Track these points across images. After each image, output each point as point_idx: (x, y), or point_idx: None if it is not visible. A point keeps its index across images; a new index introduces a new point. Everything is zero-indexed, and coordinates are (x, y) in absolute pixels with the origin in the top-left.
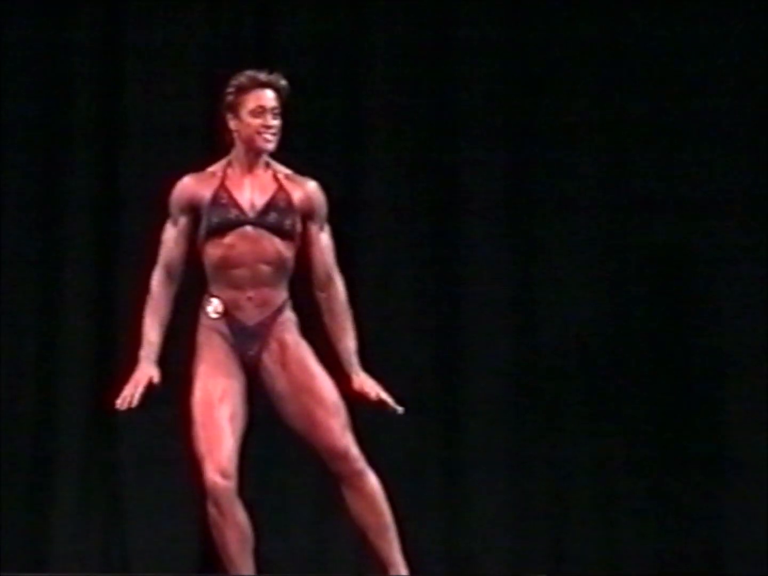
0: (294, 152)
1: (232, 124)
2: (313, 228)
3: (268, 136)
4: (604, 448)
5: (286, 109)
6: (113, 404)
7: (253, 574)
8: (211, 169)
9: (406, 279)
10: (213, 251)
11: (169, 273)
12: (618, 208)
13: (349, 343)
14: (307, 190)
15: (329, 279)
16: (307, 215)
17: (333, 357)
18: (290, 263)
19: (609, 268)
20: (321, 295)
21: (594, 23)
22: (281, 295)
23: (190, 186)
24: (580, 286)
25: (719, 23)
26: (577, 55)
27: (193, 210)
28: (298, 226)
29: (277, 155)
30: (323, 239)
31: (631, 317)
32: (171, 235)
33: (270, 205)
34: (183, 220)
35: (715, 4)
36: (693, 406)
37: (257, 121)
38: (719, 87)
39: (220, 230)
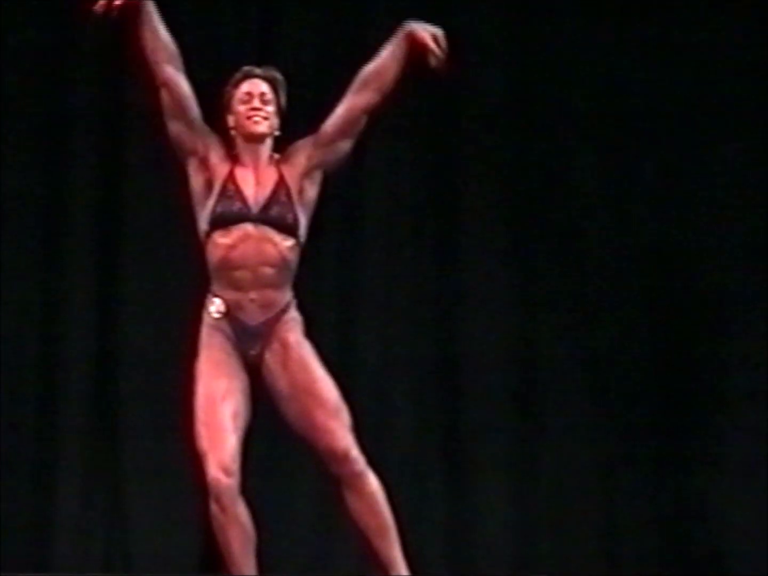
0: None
1: (230, 120)
2: (322, 134)
3: (257, 119)
4: (606, 449)
5: (280, 101)
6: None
7: (254, 573)
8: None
9: (407, 282)
10: (215, 252)
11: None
12: (621, 210)
13: None
14: (288, 154)
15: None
16: (313, 149)
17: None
18: (293, 264)
19: (610, 270)
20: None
21: (599, 27)
22: (285, 296)
23: (221, 154)
24: (581, 286)
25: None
26: (579, 61)
27: (202, 153)
28: (302, 220)
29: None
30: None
31: (634, 318)
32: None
33: (272, 199)
34: (193, 112)
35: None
36: (696, 406)
37: (245, 107)
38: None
39: (222, 223)
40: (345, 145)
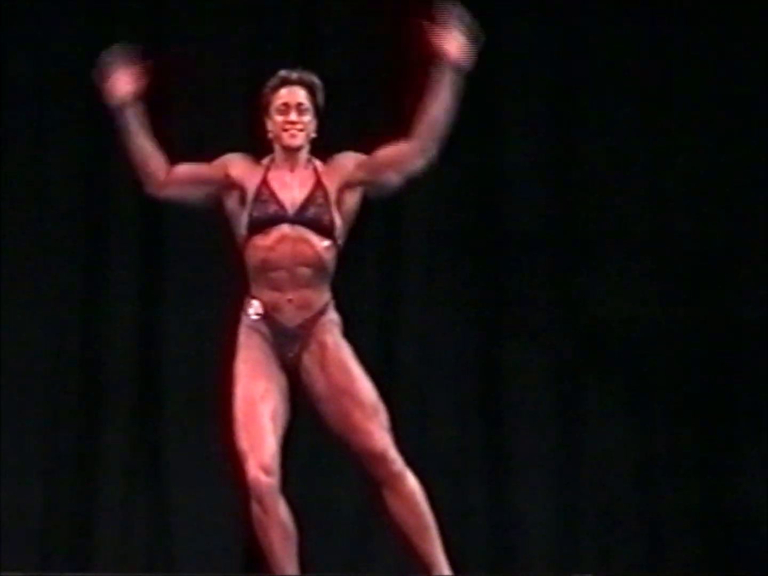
0: (334, 151)
1: (267, 124)
2: (368, 164)
3: (294, 132)
4: (649, 447)
5: (318, 106)
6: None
7: (296, 572)
8: (263, 161)
9: (448, 287)
10: (253, 253)
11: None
12: (662, 205)
13: None
14: (332, 162)
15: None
16: (360, 169)
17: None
18: (330, 265)
19: (655, 268)
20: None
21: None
22: (323, 297)
23: (244, 166)
24: (626, 289)
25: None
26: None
27: (226, 182)
28: (338, 221)
29: (319, 153)
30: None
31: (675, 316)
32: (188, 165)
33: (308, 201)
34: (208, 175)
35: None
36: (742, 404)
37: (282, 118)
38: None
39: (260, 226)
40: (393, 177)
